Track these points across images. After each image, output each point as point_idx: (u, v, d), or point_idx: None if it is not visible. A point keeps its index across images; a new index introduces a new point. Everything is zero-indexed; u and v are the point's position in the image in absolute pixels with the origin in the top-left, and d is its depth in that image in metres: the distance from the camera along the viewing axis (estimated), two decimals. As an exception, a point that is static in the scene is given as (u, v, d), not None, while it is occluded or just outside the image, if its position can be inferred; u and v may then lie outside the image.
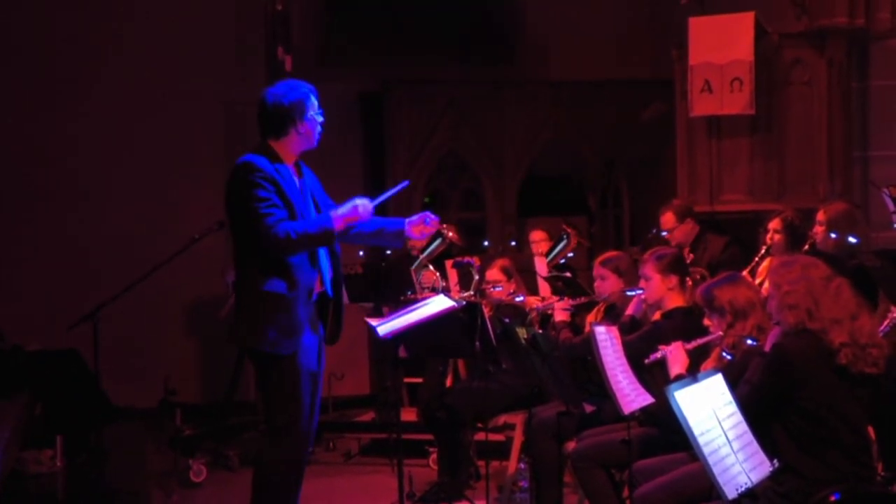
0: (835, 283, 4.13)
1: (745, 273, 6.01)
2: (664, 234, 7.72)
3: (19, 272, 9.56)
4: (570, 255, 7.83)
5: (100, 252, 9.71)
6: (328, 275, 4.96)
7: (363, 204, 4.89)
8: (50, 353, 7.94)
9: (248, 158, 4.83)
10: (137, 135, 9.88)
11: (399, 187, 5.26)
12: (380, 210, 5.11)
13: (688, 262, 7.26)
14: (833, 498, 3.82)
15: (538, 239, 8.46)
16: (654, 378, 4.90)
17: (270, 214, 4.72)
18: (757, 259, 6.85)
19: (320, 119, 4.97)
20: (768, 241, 6.88)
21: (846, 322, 4.02)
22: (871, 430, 4.34)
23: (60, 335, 7.50)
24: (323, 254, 4.94)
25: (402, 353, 5.91)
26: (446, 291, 6.91)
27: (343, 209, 4.88)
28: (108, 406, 7.79)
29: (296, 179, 4.93)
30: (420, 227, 5.04)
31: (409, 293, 6.91)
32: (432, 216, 5.06)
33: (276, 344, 4.75)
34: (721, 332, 4.58)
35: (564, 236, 7.74)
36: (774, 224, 6.88)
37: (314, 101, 4.95)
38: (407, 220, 5.05)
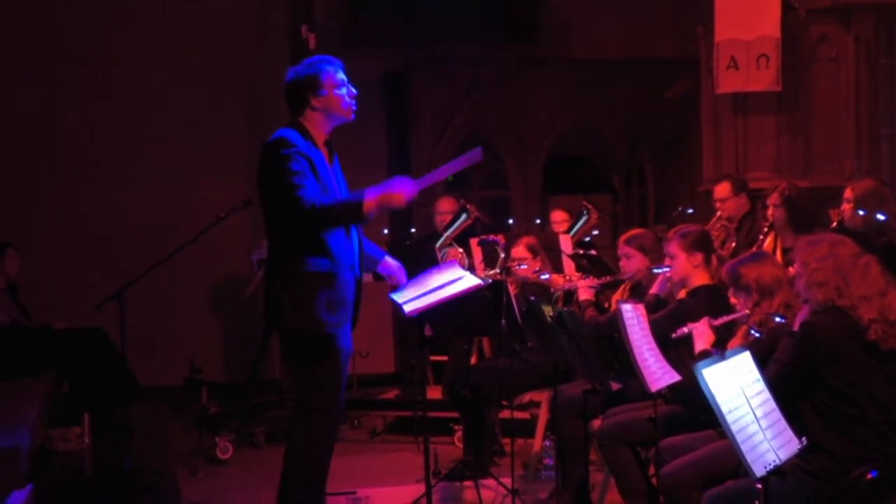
0: (863, 260, 4.11)
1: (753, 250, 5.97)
2: (716, 203, 7.63)
3: (46, 252, 9.61)
4: (595, 232, 7.82)
5: (125, 232, 9.76)
6: (357, 254, 4.95)
7: (402, 183, 4.75)
8: (77, 332, 7.99)
9: (281, 133, 4.78)
10: (160, 114, 9.90)
11: (464, 162, 4.95)
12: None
13: (732, 236, 7.22)
14: (870, 476, 3.81)
15: (559, 219, 8.46)
16: (681, 356, 4.88)
17: (302, 186, 4.66)
18: (761, 237, 6.78)
19: (344, 91, 4.88)
20: (769, 217, 6.80)
21: (875, 299, 4.00)
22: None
23: (87, 315, 7.55)
24: (353, 233, 4.93)
25: (427, 331, 5.91)
26: (471, 269, 6.91)
27: (381, 187, 4.78)
28: (135, 384, 7.85)
29: (327, 162, 4.92)
30: (393, 277, 5.13)
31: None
32: (402, 280, 5.15)
33: (323, 324, 4.73)
34: (747, 311, 4.56)
35: (585, 212, 7.73)
36: (773, 199, 6.76)
37: (333, 74, 4.87)
38: (386, 261, 5.15)
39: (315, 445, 4.85)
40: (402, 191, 4.71)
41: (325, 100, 4.87)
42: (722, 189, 7.65)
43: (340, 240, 4.81)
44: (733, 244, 7.06)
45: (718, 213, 7.53)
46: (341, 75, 4.91)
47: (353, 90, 4.94)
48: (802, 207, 6.67)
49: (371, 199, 4.67)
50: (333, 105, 4.89)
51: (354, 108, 4.94)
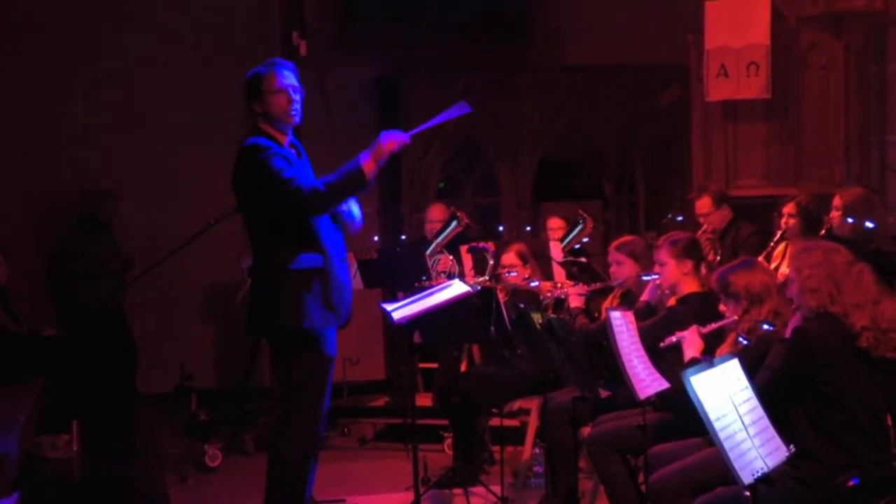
0: (857, 268, 4.12)
1: (760, 258, 5.98)
2: (699, 218, 7.68)
3: (36, 258, 9.56)
4: (586, 240, 7.82)
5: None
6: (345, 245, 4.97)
7: (389, 134, 4.72)
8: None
9: (251, 141, 4.82)
10: (150, 120, 9.85)
11: (452, 113, 4.85)
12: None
13: (717, 248, 7.25)
14: (852, 483, 3.81)
15: (555, 226, 8.43)
16: (670, 363, 4.88)
17: (293, 177, 4.67)
18: (772, 244, 6.83)
19: (286, 95, 4.83)
20: (783, 226, 6.87)
21: (868, 307, 4.01)
22: (888, 416, 4.32)
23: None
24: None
25: (417, 338, 5.90)
26: (461, 277, 6.90)
27: (371, 146, 4.72)
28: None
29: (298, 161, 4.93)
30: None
31: (424, 278, 6.91)
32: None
33: (312, 322, 4.75)
34: (736, 318, 4.56)
35: (581, 221, 7.73)
36: (789, 208, 6.87)
37: (273, 78, 4.84)
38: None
39: (294, 449, 4.86)
40: (392, 140, 4.70)
41: (264, 105, 4.87)
42: (703, 204, 7.71)
43: (330, 232, 4.81)
44: (718, 258, 7.10)
45: (704, 227, 7.57)
46: (284, 79, 4.86)
47: (296, 95, 4.87)
48: (817, 219, 6.71)
49: (368, 160, 4.67)
50: (271, 109, 4.87)
51: (296, 111, 4.89)
